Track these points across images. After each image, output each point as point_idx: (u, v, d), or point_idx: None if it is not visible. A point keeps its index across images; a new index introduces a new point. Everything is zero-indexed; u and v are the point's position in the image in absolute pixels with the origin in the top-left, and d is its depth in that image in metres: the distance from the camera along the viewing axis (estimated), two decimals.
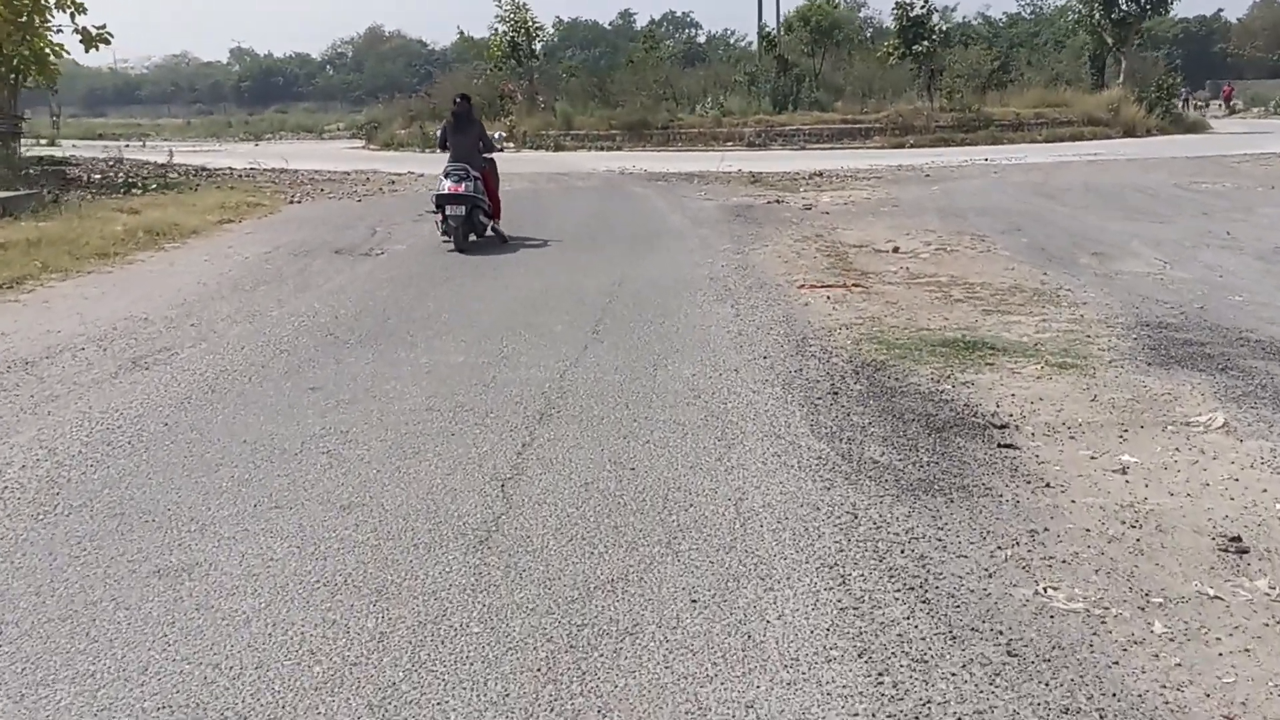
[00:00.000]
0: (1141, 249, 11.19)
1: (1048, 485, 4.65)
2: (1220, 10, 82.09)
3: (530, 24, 33.28)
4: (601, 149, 30.28)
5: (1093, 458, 5.03)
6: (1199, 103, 47.83)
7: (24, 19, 20.77)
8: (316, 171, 24.63)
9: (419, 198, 17.64)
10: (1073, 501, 4.46)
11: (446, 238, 12.62)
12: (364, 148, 35.32)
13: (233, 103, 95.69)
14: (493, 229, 13.13)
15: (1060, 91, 32.70)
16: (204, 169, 25.15)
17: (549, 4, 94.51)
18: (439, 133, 13.49)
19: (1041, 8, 61.50)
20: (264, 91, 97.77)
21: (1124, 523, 4.24)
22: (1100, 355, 6.83)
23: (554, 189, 19.61)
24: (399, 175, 23.28)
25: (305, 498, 4.59)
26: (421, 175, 22.75)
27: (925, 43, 31.14)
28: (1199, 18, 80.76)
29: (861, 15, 64.88)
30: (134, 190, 18.97)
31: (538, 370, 6.69)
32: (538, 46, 34.28)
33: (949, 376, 6.39)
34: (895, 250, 11.50)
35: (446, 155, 13.06)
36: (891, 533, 4.12)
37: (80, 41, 21.76)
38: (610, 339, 7.56)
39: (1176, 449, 5.11)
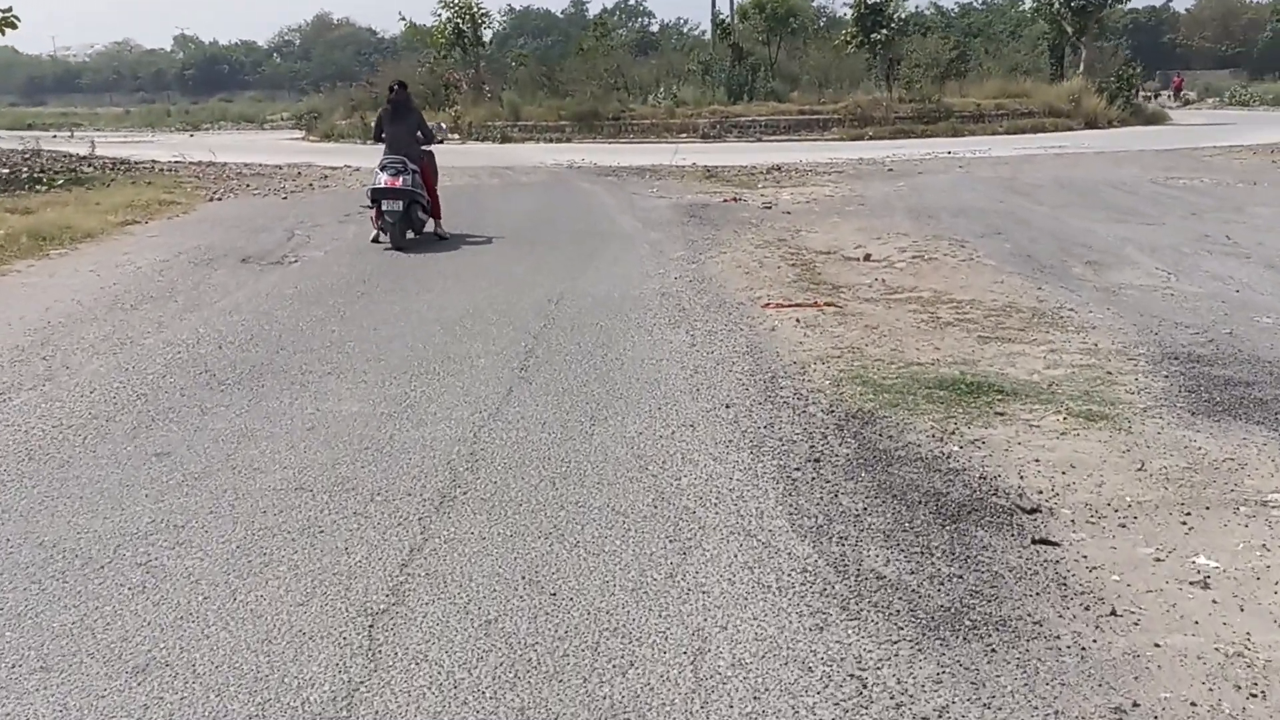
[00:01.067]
0: (1138, 256, 10.03)
1: (1113, 613, 3.41)
2: (1169, 1, 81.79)
3: (475, 10, 31.69)
4: (550, 140, 28.85)
5: (1158, 559, 3.80)
6: (1149, 94, 47.20)
7: None
8: (246, 165, 23.02)
9: (351, 195, 16.20)
10: (1156, 645, 3.22)
11: (381, 238, 11.30)
12: (303, 139, 33.61)
13: (176, 91, 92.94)
14: (434, 229, 11.79)
15: (1020, 82, 31.72)
16: (126, 162, 23.44)
17: None
18: (374, 123, 12.12)
19: None
20: (209, 80, 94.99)
21: (1239, 687, 3.00)
22: (1130, 401, 5.61)
23: (496, 185, 18.21)
24: (333, 169, 21.75)
25: (90, 651, 3.24)
26: (358, 169, 21.24)
27: (883, 31, 29.99)
28: (1148, 8, 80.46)
29: (815, 4, 63.76)
30: (38, 187, 17.31)
31: (447, 426, 5.36)
32: (485, 34, 32.75)
33: (954, 433, 5.13)
34: (867, 258, 10.27)
35: (382, 147, 11.73)
36: (919, 717, 2.85)
37: None
38: (541, 377, 6.24)
39: (1264, 545, 3.89)
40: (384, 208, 11.05)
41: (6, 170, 20.20)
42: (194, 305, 8.60)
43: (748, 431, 5.18)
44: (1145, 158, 20.86)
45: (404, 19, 33.92)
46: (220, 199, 16.89)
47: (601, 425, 5.32)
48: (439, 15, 31.98)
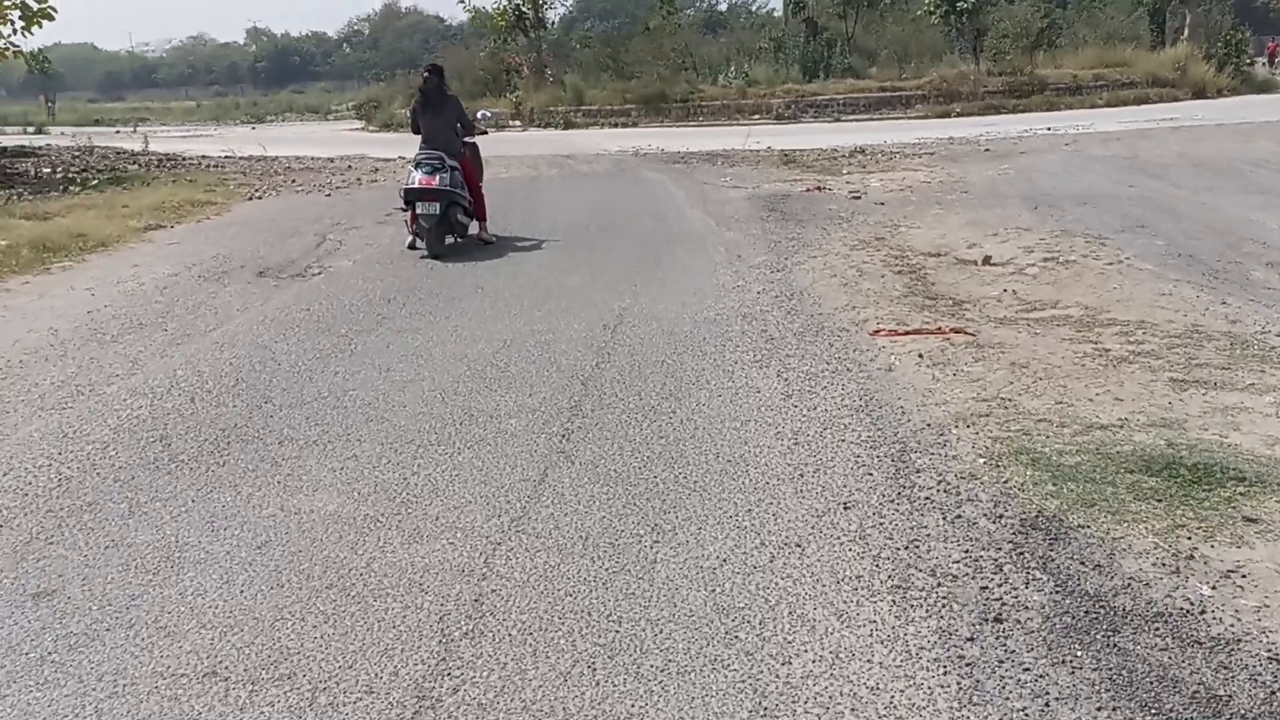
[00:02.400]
0: None
1: None
2: None
3: None
4: (615, 125, 27.17)
5: None
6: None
7: None
8: (298, 158, 21.73)
9: (398, 190, 14.72)
10: None
11: (417, 244, 9.82)
12: (363, 129, 32.38)
13: (249, 83, 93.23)
14: (477, 232, 10.26)
15: (1119, 50, 29.22)
16: (174, 158, 22.37)
17: None
18: (409, 113, 10.59)
19: None
20: (281, 72, 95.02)
21: None
22: None
23: (555, 176, 16.60)
24: (386, 161, 20.32)
25: None
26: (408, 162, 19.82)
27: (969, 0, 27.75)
28: None
29: None
30: (72, 188, 16.13)
31: (450, 543, 3.76)
32: (547, 16, 31.08)
33: (1193, 558, 3.40)
34: (987, 261, 8.48)
35: (419, 140, 10.25)
36: None
37: (20, 19, 18.88)
38: (588, 451, 4.62)
39: None
40: (419, 210, 9.53)
41: (50, 169, 19.14)
42: (185, 335, 7.14)
43: (882, 557, 3.50)
44: (1274, 129, 18.54)
45: (463, 2, 32.39)
46: (261, 197, 15.53)
47: (667, 544, 3.67)
48: None
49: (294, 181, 17.47)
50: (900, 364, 5.75)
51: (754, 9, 75.51)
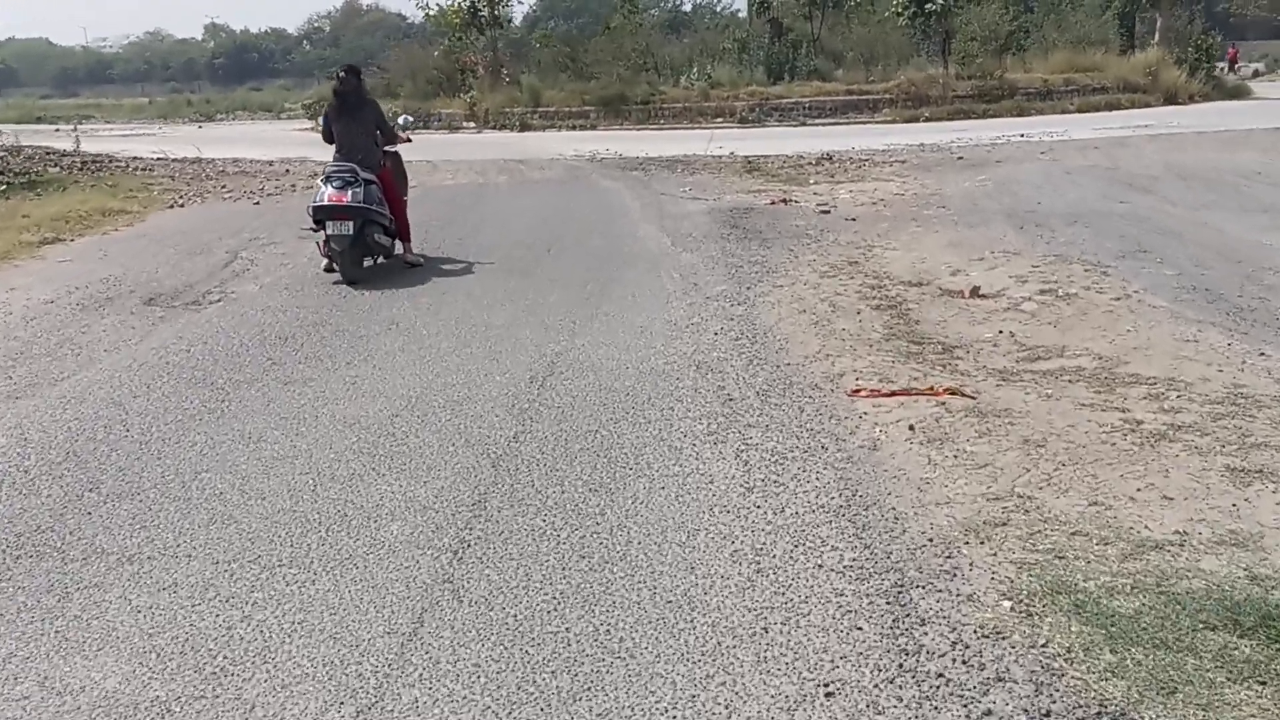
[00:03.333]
0: None
1: None
2: None
3: None
4: (574, 128, 25.93)
5: None
6: None
7: None
8: (235, 161, 20.37)
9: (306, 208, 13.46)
10: None
11: (331, 268, 8.57)
12: (311, 129, 30.94)
13: (207, 80, 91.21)
14: (402, 254, 9.07)
15: (1089, 54, 28.34)
16: (106, 159, 20.93)
17: None
18: (321, 120, 9.32)
19: None
20: (239, 68, 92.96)
21: None
22: None
23: (504, 184, 15.38)
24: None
25: None
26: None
27: (938, 1, 26.73)
28: None
29: None
30: None
31: None
32: (506, 14, 29.70)
33: None
34: (976, 293, 7.39)
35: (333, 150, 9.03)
36: None
37: None
38: (481, 585, 3.45)
39: None
40: (329, 231, 8.31)
41: None
42: (30, 385, 5.89)
43: None
44: (1257, 138, 17.65)
45: (420, 2, 31.03)
46: (183, 205, 14.21)
47: None
48: None
49: (224, 187, 16.16)
50: (887, 439, 4.63)
51: (718, 9, 74.50)
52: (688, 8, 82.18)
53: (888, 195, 12.70)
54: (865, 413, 4.98)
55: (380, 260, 9.03)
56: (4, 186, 15.14)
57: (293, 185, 16.14)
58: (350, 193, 8.28)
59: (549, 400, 5.33)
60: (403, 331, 6.87)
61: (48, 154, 22.62)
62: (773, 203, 12.33)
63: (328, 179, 8.46)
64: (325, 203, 8.29)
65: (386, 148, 9.23)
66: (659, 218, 11.39)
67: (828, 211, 11.55)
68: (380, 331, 6.90)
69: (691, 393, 5.37)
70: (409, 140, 9.66)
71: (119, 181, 16.86)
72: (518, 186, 14.96)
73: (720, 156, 18.06)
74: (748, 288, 7.83)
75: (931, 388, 5.21)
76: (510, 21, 30.89)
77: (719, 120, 25.73)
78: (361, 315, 7.36)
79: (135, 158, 21.19)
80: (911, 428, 4.72)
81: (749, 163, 16.79)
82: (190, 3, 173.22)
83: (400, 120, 9.66)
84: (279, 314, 7.48)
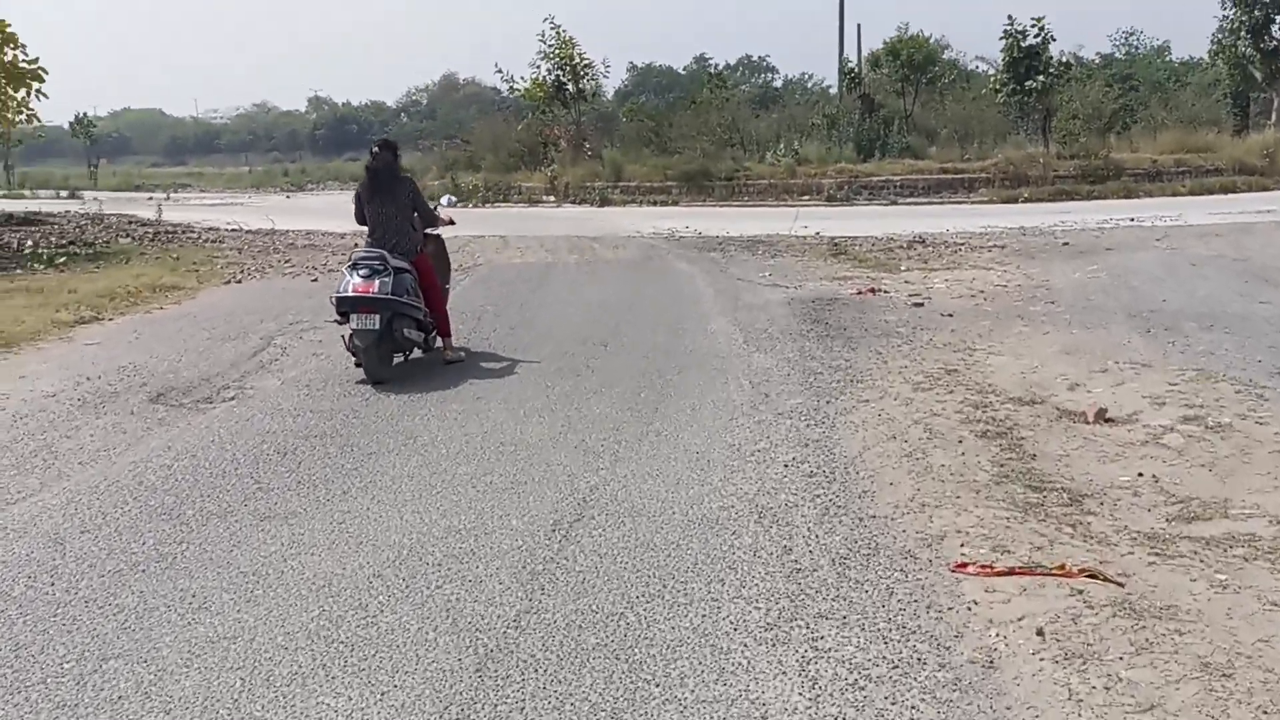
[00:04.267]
0: None
1: None
2: None
3: (578, 61, 28.25)
4: (655, 203, 25.13)
5: None
6: None
7: None
8: (306, 233, 19.96)
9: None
10: None
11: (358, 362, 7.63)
12: None
13: (308, 150, 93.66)
14: (441, 348, 8.12)
15: (1201, 134, 26.73)
16: (182, 229, 20.69)
17: (622, 50, 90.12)
18: (353, 199, 8.46)
19: (1136, 47, 54.47)
20: (338, 139, 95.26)
21: None
22: None
23: (573, 264, 14.48)
24: None
25: None
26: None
27: (1039, 78, 25.44)
28: None
29: (946, 57, 58.62)
30: (36, 265, 14.33)
31: None
32: (589, 87, 29.18)
33: None
34: (1103, 417, 6.11)
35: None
36: None
37: (3, 79, 17.41)
38: None
39: None
40: (353, 325, 7.38)
41: (31, 243, 17.40)
42: None
43: None
44: None
45: (500, 71, 30.82)
46: (239, 281, 13.60)
47: None
48: (537, 67, 28.65)
49: (288, 261, 15.58)
50: (1007, 649, 3.41)
51: (809, 86, 74.03)
52: (779, 84, 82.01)
53: (988, 286, 11.45)
54: (976, 601, 3.77)
55: (414, 354, 8.10)
56: (64, 258, 14.72)
57: None
58: (377, 282, 7.36)
59: (569, 561, 4.22)
60: (419, 449, 5.84)
61: (129, 223, 22.64)
62: (860, 293, 11.18)
63: (354, 266, 7.57)
64: (349, 293, 7.38)
65: (427, 230, 8.36)
66: (733, 308, 10.31)
67: (921, 304, 10.35)
68: (393, 448, 5.89)
69: (749, 557, 4.22)
70: (451, 222, 8.77)
71: (185, 254, 16.42)
72: (586, 267, 14.04)
73: (805, 237, 16.99)
74: (827, 401, 6.67)
75: (1063, 566, 3.98)
76: (595, 95, 30.38)
77: (805, 198, 24.70)
78: (377, 425, 6.37)
79: (211, 229, 20.92)
80: (1040, 632, 3.49)
81: (835, 245, 15.68)
82: (295, 77, 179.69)
83: (443, 200, 8.80)
84: (288, 419, 6.53)
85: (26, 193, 35.99)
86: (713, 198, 25.20)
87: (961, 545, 4.28)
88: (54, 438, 6.25)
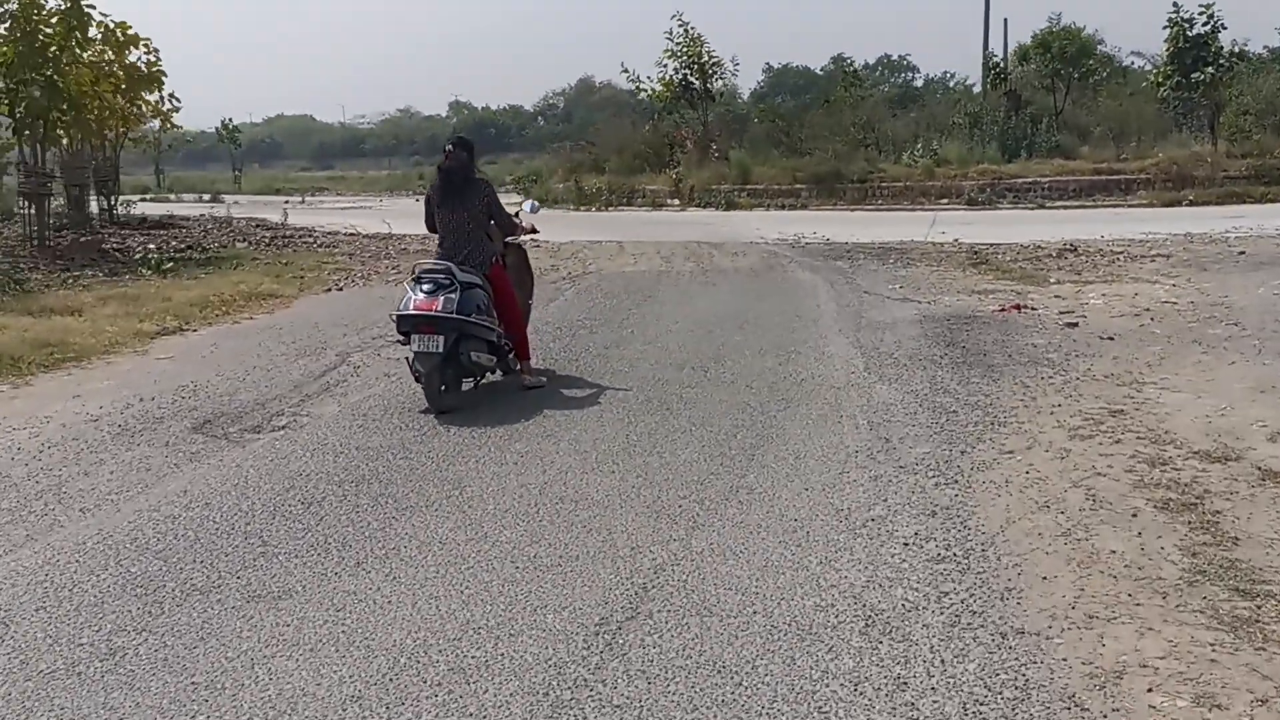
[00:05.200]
0: None
1: None
2: None
3: (706, 59, 27.14)
4: (783, 207, 23.86)
5: None
6: None
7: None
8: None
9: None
10: None
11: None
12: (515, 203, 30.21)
13: None
14: (519, 372, 7.21)
15: None
16: (302, 233, 20.47)
17: (757, 50, 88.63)
18: (424, 202, 7.61)
19: None
20: (477, 143, 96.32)
21: None
22: None
23: (688, 272, 13.43)
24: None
25: None
26: (547, 242, 17.25)
27: (1208, 69, 23.16)
28: None
29: (1099, 51, 55.08)
30: (144, 270, 14.06)
31: None
32: (715, 86, 28.02)
33: None
34: None
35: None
36: None
37: (115, 81, 17.53)
38: None
39: None
40: (414, 348, 6.49)
41: (154, 246, 17.29)
42: None
43: None
44: None
45: (626, 71, 29.95)
46: (340, 288, 13.03)
47: None
48: (664, 66, 27.63)
49: (395, 268, 14.96)
50: None
51: (951, 85, 70.99)
52: (919, 83, 79.15)
53: (1154, 303, 9.92)
54: None
55: (494, 376, 7.18)
56: (171, 264, 14.42)
57: None
58: (442, 299, 6.45)
59: (607, 686, 3.17)
60: (462, 505, 4.88)
61: (256, 227, 22.62)
62: (1003, 310, 9.81)
63: (417, 280, 6.68)
64: (409, 311, 6.50)
65: (508, 239, 7.44)
66: (856, 327, 9.10)
67: (1075, 325, 8.94)
68: (434, 500, 4.94)
69: (848, 692, 3.09)
70: (534, 231, 7.85)
71: (295, 259, 16.02)
72: (700, 277, 12.96)
73: (941, 244, 15.55)
74: (962, 452, 5.44)
75: None
76: (724, 95, 29.22)
77: (944, 201, 23.06)
78: (424, 469, 5.44)
79: (331, 233, 20.62)
80: None
81: (975, 253, 14.23)
82: (439, 82, 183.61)
83: (525, 206, 7.87)
84: (329, 458, 5.67)
85: (171, 196, 36.93)
86: (844, 201, 23.79)
87: (1149, 689, 3.06)
88: (71, 474, 5.53)
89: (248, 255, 16.41)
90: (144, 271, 13.93)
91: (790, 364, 7.71)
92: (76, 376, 8.07)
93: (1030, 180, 23.22)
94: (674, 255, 15.27)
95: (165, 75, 19.27)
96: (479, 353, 6.65)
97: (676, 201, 25.30)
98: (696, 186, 25.11)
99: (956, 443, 5.61)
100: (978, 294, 10.86)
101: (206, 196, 35.86)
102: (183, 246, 17.29)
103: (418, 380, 6.65)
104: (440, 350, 6.38)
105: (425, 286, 6.58)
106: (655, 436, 5.91)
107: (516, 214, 7.68)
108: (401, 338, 6.71)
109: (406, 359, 6.83)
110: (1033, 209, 21.98)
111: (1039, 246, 14.78)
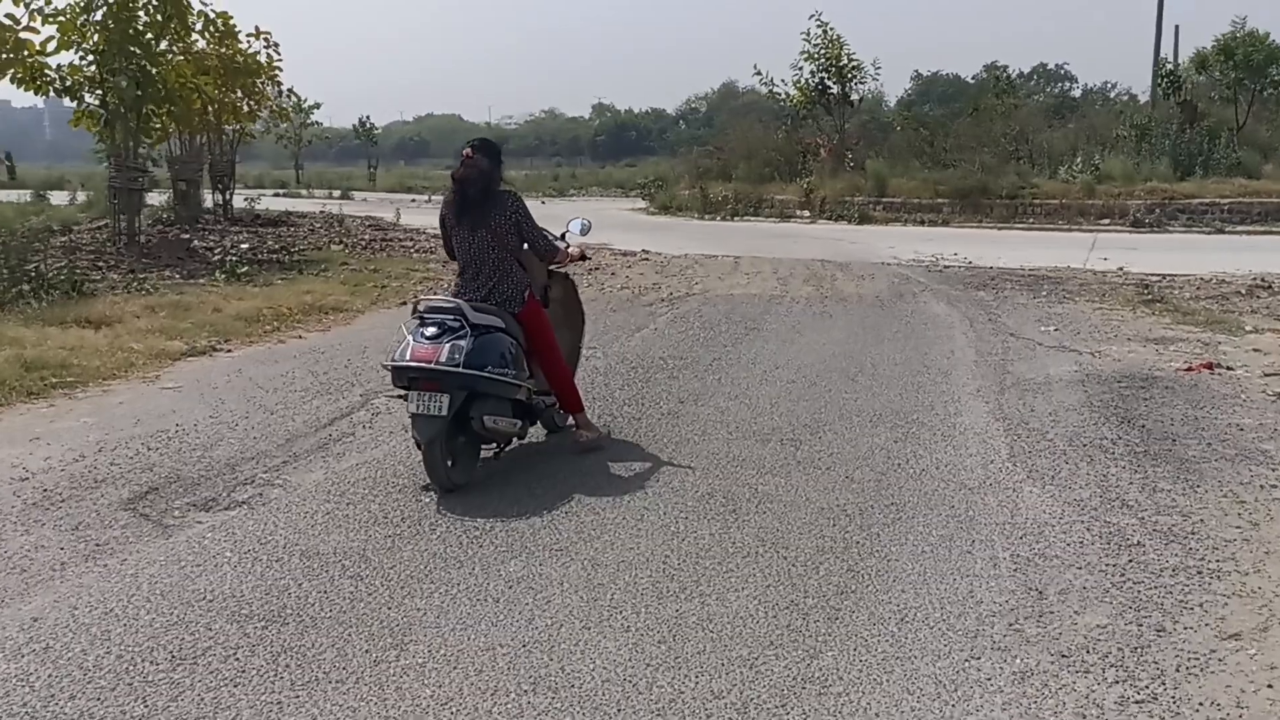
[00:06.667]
0: None
1: None
2: None
3: (845, 62, 25.02)
4: (921, 223, 21.66)
5: None
6: None
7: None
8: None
9: (595, 302, 10.39)
10: None
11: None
12: (645, 209, 28.69)
13: (588, 155, 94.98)
14: (576, 432, 5.60)
15: None
16: (405, 236, 19.47)
17: (907, 58, 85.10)
18: (439, 221, 5.96)
19: None
20: (618, 145, 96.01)
21: None
22: None
23: (805, 299, 11.60)
24: (628, 255, 16.20)
25: None
26: (657, 255, 15.76)
27: None
28: None
29: None
30: (218, 274, 13.01)
31: None
32: (854, 90, 25.87)
33: None
34: None
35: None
36: None
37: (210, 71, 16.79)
38: None
39: None
40: (411, 409, 4.90)
41: (245, 247, 16.35)
42: None
43: None
44: None
45: (759, 74, 27.99)
46: (404, 304, 11.65)
47: None
48: (799, 69, 25.63)
49: None
50: None
51: (1111, 96, 66.30)
52: (1076, 93, 74.43)
53: None
54: None
55: (501, 451, 5.54)
56: (245, 268, 13.32)
57: None
58: (447, 347, 4.86)
59: None
60: (408, 667, 3.26)
61: (367, 226, 21.73)
62: (1190, 369, 7.69)
63: (423, 320, 5.10)
64: (405, 361, 4.91)
65: (551, 267, 5.83)
66: (999, 387, 7.15)
67: None
68: (372, 654, 3.34)
69: None
70: (584, 258, 6.20)
71: (386, 265, 14.82)
72: (816, 305, 11.10)
73: (1104, 273, 13.32)
74: (1159, 631, 3.55)
75: None
76: (864, 100, 27.05)
77: (1104, 221, 20.50)
78: (366, 604, 3.83)
79: (435, 235, 19.46)
80: None
81: (1145, 287, 11.95)
82: (583, 84, 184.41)
83: (572, 226, 6.22)
84: (271, 567, 4.15)
85: (304, 192, 36.83)
86: (990, 218, 21.42)
87: None
88: None
89: (337, 259, 15.28)
90: (218, 275, 12.86)
91: (909, 442, 5.85)
92: (56, 409, 6.81)
93: (1208, 201, 20.42)
94: (792, 276, 13.45)
95: (281, 69, 18.48)
96: (498, 416, 5.02)
97: (806, 213, 23.34)
98: (829, 198, 23.08)
99: (1148, 608, 3.71)
100: (1154, 343, 8.74)
101: (336, 193, 35.59)
102: (276, 247, 16.30)
103: (419, 448, 5.08)
104: (444, 413, 4.77)
105: (429, 330, 5.00)
106: (704, 563, 4.17)
107: (562, 235, 6.04)
108: (399, 391, 5.14)
109: (405, 426, 5.27)
110: (1209, 233, 19.26)
111: (1223, 281, 12.43)
